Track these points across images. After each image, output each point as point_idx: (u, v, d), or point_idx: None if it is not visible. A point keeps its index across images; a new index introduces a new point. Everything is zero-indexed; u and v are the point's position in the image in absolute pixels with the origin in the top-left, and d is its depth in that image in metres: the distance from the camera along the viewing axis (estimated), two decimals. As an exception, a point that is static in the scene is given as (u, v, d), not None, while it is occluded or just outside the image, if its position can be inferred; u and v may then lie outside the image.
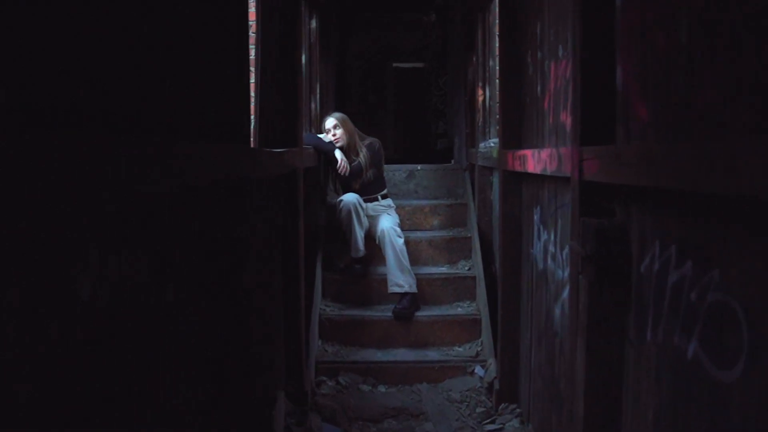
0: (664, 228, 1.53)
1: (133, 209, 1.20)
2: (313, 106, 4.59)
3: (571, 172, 2.02)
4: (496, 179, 4.39)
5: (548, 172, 2.39)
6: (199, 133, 1.64)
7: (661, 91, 1.58)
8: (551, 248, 2.78)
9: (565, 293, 2.53)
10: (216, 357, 1.77)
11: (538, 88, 3.00)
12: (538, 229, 3.03)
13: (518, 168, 3.04)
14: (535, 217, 3.09)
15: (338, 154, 4.39)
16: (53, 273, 0.94)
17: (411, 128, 9.85)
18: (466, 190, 5.19)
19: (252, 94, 3.17)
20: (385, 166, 5.04)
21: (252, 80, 3.02)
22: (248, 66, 2.11)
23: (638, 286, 1.70)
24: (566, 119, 2.50)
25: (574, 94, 2.06)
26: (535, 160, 2.63)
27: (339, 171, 4.38)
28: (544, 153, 2.46)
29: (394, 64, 9.94)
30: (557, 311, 2.67)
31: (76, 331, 1.01)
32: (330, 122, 4.49)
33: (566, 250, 2.51)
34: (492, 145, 4.20)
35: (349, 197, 4.32)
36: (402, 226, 4.85)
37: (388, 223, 4.39)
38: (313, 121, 4.61)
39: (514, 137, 3.37)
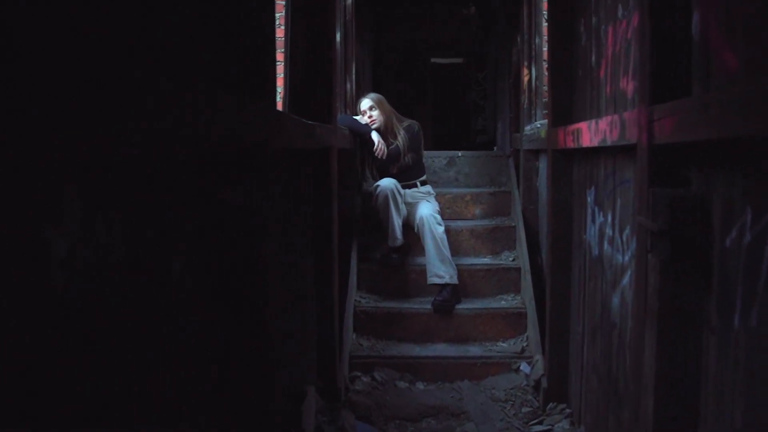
0: (760, 191, 1.29)
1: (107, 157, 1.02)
2: (348, 86, 4.40)
3: (638, 138, 1.78)
4: (542, 164, 4.15)
5: (608, 143, 2.14)
6: (211, 80, 1.45)
7: (755, 33, 1.34)
8: (608, 231, 2.53)
9: (626, 279, 2.29)
10: (222, 345, 1.58)
11: (593, 58, 2.76)
12: (593, 212, 2.79)
13: (570, 144, 2.80)
14: (589, 198, 2.85)
15: (375, 136, 4.19)
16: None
17: (449, 124, 9.77)
18: (510, 177, 4.94)
19: (281, 62, 3.00)
20: (425, 152, 4.82)
21: (281, 50, 2.84)
22: (273, 14, 1.91)
23: (722, 263, 1.45)
24: (627, 86, 2.26)
25: (641, 49, 1.82)
26: (591, 132, 2.39)
27: (376, 154, 4.18)
28: (603, 122, 2.22)
29: (432, 59, 9.83)
30: (615, 300, 2.43)
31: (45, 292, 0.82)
32: (365, 103, 4.29)
33: (627, 231, 2.26)
34: (539, 126, 3.96)
35: (387, 182, 4.12)
36: (442, 214, 4.62)
37: (427, 210, 4.17)
38: (348, 102, 4.42)
39: (565, 113, 3.13)
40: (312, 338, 3.21)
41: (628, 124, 1.91)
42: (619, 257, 2.37)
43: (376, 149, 4.16)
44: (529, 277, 4.03)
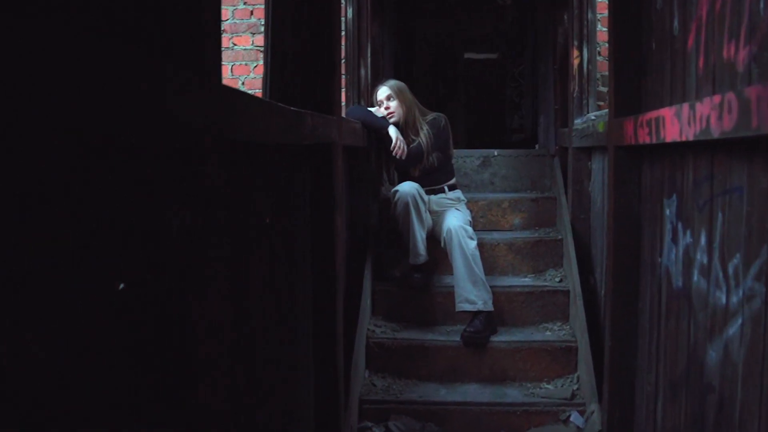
0: None
1: None
2: (362, 72, 3.82)
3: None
4: (597, 164, 3.52)
5: (714, 134, 1.53)
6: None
7: None
8: (700, 257, 1.91)
9: (733, 329, 1.67)
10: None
11: (674, 23, 2.13)
12: (673, 229, 2.16)
13: (644, 139, 2.18)
14: (668, 210, 2.22)
15: (392, 131, 3.60)
16: None
17: (484, 122, 9.49)
18: (555, 180, 4.31)
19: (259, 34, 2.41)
20: (454, 152, 4.23)
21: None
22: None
23: None
24: (735, 54, 1.64)
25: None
26: (682, 121, 1.77)
27: (393, 153, 3.59)
28: (704, 105, 1.60)
29: (466, 55, 9.58)
30: (713, 355, 1.80)
31: None
32: (382, 92, 3.71)
33: (736, 261, 1.64)
34: (593, 118, 3.33)
35: (407, 187, 3.53)
36: (474, 225, 4.02)
37: (456, 220, 3.57)
38: (362, 92, 3.84)
39: (632, 99, 2.51)
40: (308, 381, 2.64)
41: (756, 104, 1.29)
42: (721, 296, 1.74)
43: (394, 147, 3.58)
44: (580, 302, 3.40)
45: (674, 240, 2.16)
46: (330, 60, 2.63)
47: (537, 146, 4.94)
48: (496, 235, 4.04)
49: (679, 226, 2.10)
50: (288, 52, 2.40)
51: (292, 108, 1.97)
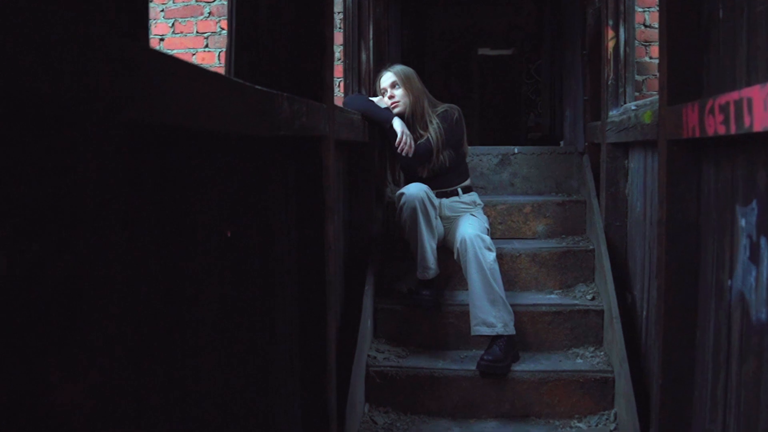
0: None
1: None
2: (363, 57, 3.39)
3: None
4: (637, 162, 3.08)
5: None
6: None
7: None
8: (798, 284, 1.47)
9: None
10: None
11: (754, -19, 1.70)
12: (753, 245, 1.72)
13: (717, 130, 1.74)
14: (743, 221, 1.78)
15: (397, 124, 3.17)
16: None
17: (499, 120, 9.52)
18: (585, 181, 3.87)
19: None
20: (469, 149, 3.80)
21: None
22: None
23: None
24: None
25: None
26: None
27: (398, 150, 3.16)
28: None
29: (480, 51, 9.55)
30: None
31: None
32: (386, 79, 3.29)
33: None
34: (634, 108, 2.89)
35: (414, 190, 3.09)
36: (492, 233, 3.59)
37: (471, 228, 3.13)
38: (363, 79, 3.41)
39: (692, 81, 2.07)
40: (294, 417, 2.22)
41: None
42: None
43: (399, 143, 3.15)
44: (618, 325, 2.96)
45: (754, 259, 1.71)
46: (318, 34, 2.20)
47: (562, 143, 4.50)
48: (516, 245, 3.60)
49: (763, 241, 1.66)
50: (262, 22, 1.98)
51: (257, 87, 1.54)
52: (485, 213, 3.58)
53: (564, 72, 4.47)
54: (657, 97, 2.48)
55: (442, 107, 3.30)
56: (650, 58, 4.33)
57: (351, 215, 3.39)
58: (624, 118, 2.98)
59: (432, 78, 8.73)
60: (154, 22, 4.81)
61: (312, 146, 2.21)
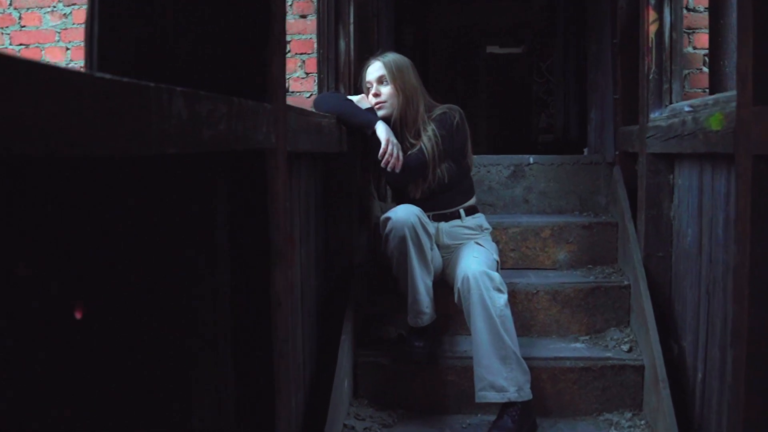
0: None
1: None
2: (342, 45, 2.81)
3: None
4: (687, 179, 2.49)
5: None
6: None
7: None
8: None
9: None
10: None
11: None
12: None
13: None
14: None
15: (381, 130, 2.58)
16: None
17: (508, 122, 9.47)
18: (617, 198, 3.28)
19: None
20: (475, 159, 3.22)
21: None
22: None
23: None
24: None
25: None
26: None
27: (383, 163, 2.58)
28: None
29: (488, 49, 9.54)
30: None
31: None
32: (373, 70, 2.71)
33: None
34: (688, 110, 2.30)
35: (404, 213, 2.51)
36: (503, 261, 3.02)
37: (476, 263, 2.54)
38: (341, 74, 2.83)
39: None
40: None
41: None
42: None
43: (383, 154, 2.56)
44: (665, 391, 2.36)
45: None
46: (264, 14, 1.62)
47: (586, 151, 3.90)
48: (533, 278, 3.01)
49: None
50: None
51: (125, 79, 0.96)
52: (494, 239, 3.00)
53: (589, 66, 3.88)
54: (730, 94, 1.90)
55: (440, 109, 2.71)
56: (694, 48, 3.74)
57: (327, 243, 2.82)
58: (674, 123, 2.39)
59: (436, 78, 8.64)
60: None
61: (250, 164, 1.64)
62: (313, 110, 2.71)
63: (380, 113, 2.68)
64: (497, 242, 3.14)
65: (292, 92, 3.98)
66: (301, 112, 1.99)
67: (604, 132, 3.57)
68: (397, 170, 2.57)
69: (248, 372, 1.69)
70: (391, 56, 2.75)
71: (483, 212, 3.40)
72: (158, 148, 1.07)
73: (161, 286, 1.26)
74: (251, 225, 1.68)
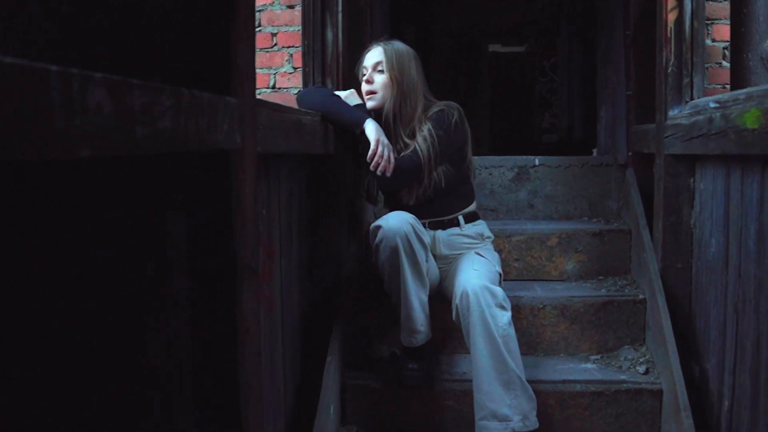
0: None
1: None
2: (329, 36, 2.58)
3: None
4: (710, 182, 2.27)
5: None
6: None
7: None
8: None
9: None
10: None
11: None
12: None
13: None
14: None
15: (371, 129, 2.35)
16: None
17: (511, 121, 9.47)
18: (630, 203, 3.05)
19: None
20: (477, 160, 3.01)
21: None
22: None
23: None
24: None
25: None
26: None
27: (372, 166, 2.35)
28: None
29: (490, 48, 9.54)
30: None
31: None
32: (371, 56, 2.50)
33: None
34: (714, 105, 2.08)
35: (396, 221, 2.28)
36: (506, 272, 2.81)
37: (476, 276, 2.32)
38: (329, 66, 2.60)
39: None
40: None
41: None
42: None
43: (373, 156, 2.33)
44: (688, 420, 2.14)
45: None
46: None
47: (595, 151, 3.68)
48: (539, 291, 2.79)
49: None
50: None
51: (8, 60, 0.73)
52: (496, 248, 2.78)
53: (599, 60, 3.65)
54: (766, 88, 1.68)
55: (437, 107, 2.48)
56: (713, 41, 3.51)
57: (312, 252, 2.60)
58: (698, 121, 2.17)
59: (438, 77, 8.56)
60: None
61: (210, 168, 1.42)
62: (301, 105, 2.50)
63: (369, 104, 2.46)
64: (500, 251, 2.92)
65: (279, 89, 3.76)
66: (275, 108, 1.76)
67: (616, 131, 3.34)
68: (388, 173, 2.34)
69: (213, 417, 1.48)
70: (395, 44, 2.52)
71: (484, 218, 3.18)
72: (64, 150, 0.84)
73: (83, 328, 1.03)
74: (213, 238, 1.47)
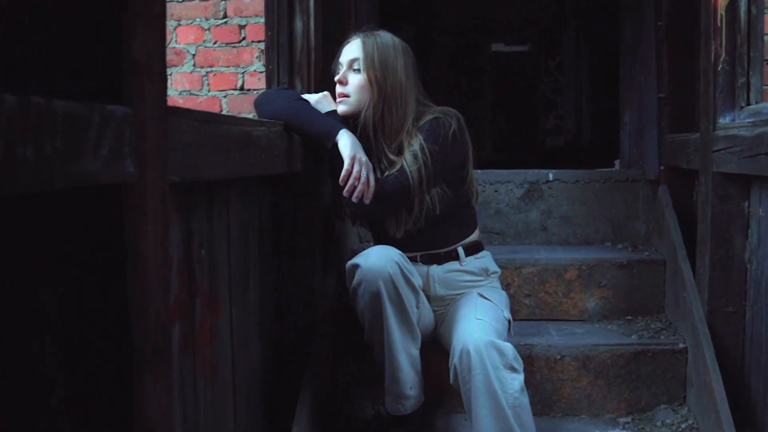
0: None
1: None
2: (298, 26, 2.13)
3: None
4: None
5: None
6: None
7: None
8: None
9: None
10: None
11: None
12: None
13: None
14: None
15: (346, 143, 1.91)
16: None
17: (513, 123, 9.27)
18: (664, 229, 2.61)
19: None
20: (480, 173, 2.57)
21: None
22: None
23: None
24: None
25: None
26: None
27: (346, 191, 1.91)
28: None
29: (493, 47, 9.37)
30: None
31: None
32: (349, 50, 2.05)
33: None
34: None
35: (377, 259, 1.85)
36: (515, 310, 2.39)
37: (480, 328, 1.87)
38: (299, 61, 2.15)
39: None
40: None
41: None
42: None
43: (346, 178, 1.89)
44: None
45: None
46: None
47: (617, 163, 3.24)
48: (556, 337, 2.35)
49: None
50: None
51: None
52: (503, 281, 2.35)
53: (621, 57, 3.20)
54: None
55: (430, 114, 2.03)
56: None
57: (279, 293, 2.16)
58: (764, 133, 1.73)
59: (438, 78, 8.48)
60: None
61: (94, 210, 0.99)
62: (259, 112, 2.06)
63: (340, 109, 2.02)
64: (507, 286, 2.49)
65: (248, 90, 3.32)
66: (205, 118, 1.33)
67: (644, 140, 2.90)
68: (367, 200, 1.89)
69: None
70: (380, 36, 2.06)
71: (488, 243, 2.76)
72: None
73: None
74: (97, 311, 1.04)
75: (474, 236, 2.18)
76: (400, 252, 1.89)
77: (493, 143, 8.85)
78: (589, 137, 8.30)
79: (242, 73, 3.33)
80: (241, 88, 3.33)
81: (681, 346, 2.25)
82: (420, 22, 7.97)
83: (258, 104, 1.99)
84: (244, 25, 3.30)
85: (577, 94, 7.11)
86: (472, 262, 2.14)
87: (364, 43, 2.05)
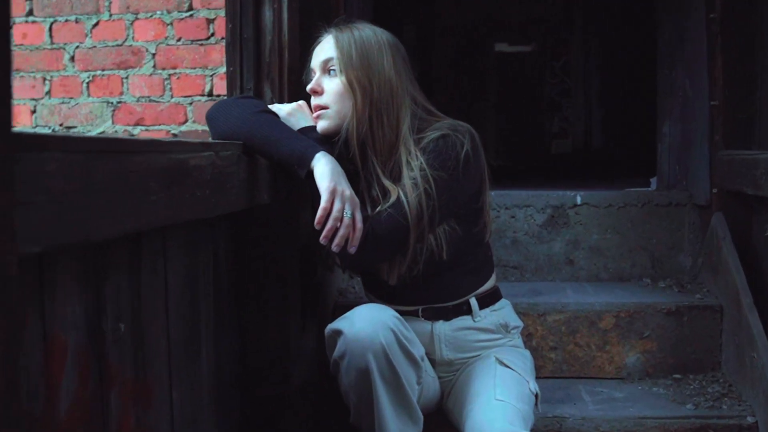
0: None
1: None
2: (267, 17, 1.72)
3: None
4: None
5: None
6: None
7: None
8: None
9: None
10: None
11: None
12: None
13: None
14: None
15: (324, 169, 1.48)
16: None
17: (516, 126, 9.26)
18: (721, 266, 2.20)
19: None
20: (493, 195, 2.16)
21: None
22: None
23: None
24: None
25: None
26: None
27: (323, 237, 1.48)
28: None
29: (497, 47, 9.38)
30: None
31: None
32: (321, 49, 1.65)
33: None
34: None
35: (367, 325, 1.43)
36: (539, 366, 1.99)
37: (500, 412, 1.46)
38: (268, 62, 1.74)
39: None
40: None
41: None
42: None
43: (323, 219, 1.47)
44: None
45: None
46: None
47: (654, 182, 2.82)
48: (590, 405, 1.94)
49: None
50: None
51: None
52: (524, 332, 1.95)
53: (660, 57, 2.77)
54: None
55: (435, 130, 1.60)
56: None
57: (243, 357, 1.76)
58: None
59: (440, 79, 8.45)
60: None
61: None
62: (212, 128, 1.65)
63: (320, 126, 1.61)
64: (529, 337, 2.09)
65: (218, 96, 2.90)
66: (98, 146, 0.91)
67: (691, 157, 2.48)
68: (352, 248, 1.48)
69: None
70: (357, 29, 1.65)
71: (504, 279, 2.37)
72: None
73: None
74: None
75: (490, 283, 1.77)
76: (395, 314, 1.47)
77: (496, 147, 8.84)
78: (600, 143, 8.09)
79: (211, 75, 2.92)
80: (210, 94, 2.91)
81: (750, 420, 1.84)
82: (420, 22, 7.88)
83: (210, 118, 1.58)
84: (213, 19, 2.88)
85: (586, 96, 7.02)
86: (489, 317, 1.73)
87: (337, 39, 1.63)
